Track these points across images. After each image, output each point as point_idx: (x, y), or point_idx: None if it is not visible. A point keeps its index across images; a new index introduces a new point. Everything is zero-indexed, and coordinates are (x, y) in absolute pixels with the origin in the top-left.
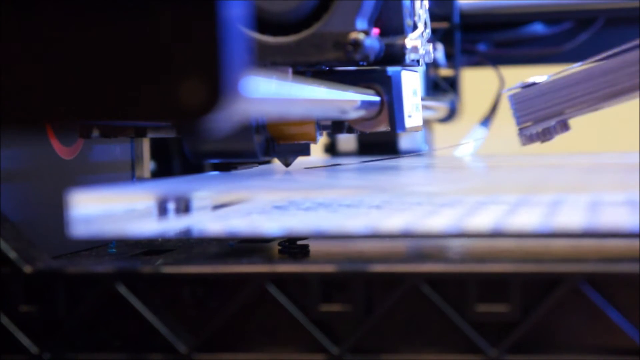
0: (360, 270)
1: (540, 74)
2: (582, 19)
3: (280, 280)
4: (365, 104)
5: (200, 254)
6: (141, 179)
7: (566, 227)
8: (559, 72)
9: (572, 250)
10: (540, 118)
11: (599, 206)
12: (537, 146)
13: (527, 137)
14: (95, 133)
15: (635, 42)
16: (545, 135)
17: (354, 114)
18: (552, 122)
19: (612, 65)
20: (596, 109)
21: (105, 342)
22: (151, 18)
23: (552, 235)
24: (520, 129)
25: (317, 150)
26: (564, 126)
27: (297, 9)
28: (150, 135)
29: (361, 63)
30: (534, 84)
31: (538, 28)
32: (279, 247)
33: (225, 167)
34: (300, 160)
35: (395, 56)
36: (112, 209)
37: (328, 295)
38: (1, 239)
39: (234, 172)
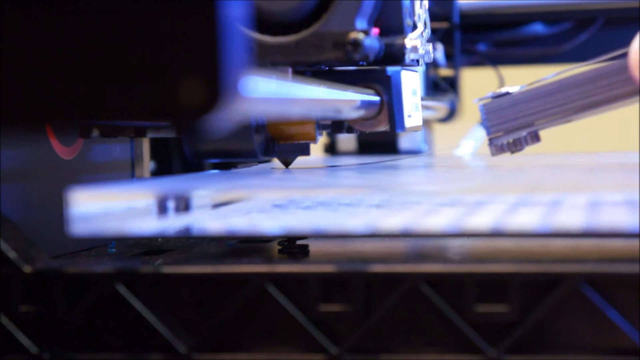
0: (360, 270)
1: (539, 74)
2: (582, 19)
3: (280, 280)
4: (365, 104)
5: (200, 254)
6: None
7: (566, 227)
8: (532, 83)
9: (572, 250)
10: (511, 129)
11: (599, 206)
12: (536, 146)
13: (498, 148)
14: (95, 133)
15: (609, 55)
16: (515, 146)
17: (353, 114)
18: (523, 133)
19: (585, 78)
20: (567, 121)
21: (105, 342)
22: (151, 18)
23: (552, 235)
24: (491, 139)
25: (317, 150)
26: (535, 137)
27: (296, 9)
28: (150, 135)
29: (361, 63)
30: (506, 93)
31: (538, 28)
32: (279, 247)
33: (225, 166)
34: (300, 160)
35: (395, 56)
36: (111, 207)
37: (328, 295)
38: (1, 239)
39: (233, 170)
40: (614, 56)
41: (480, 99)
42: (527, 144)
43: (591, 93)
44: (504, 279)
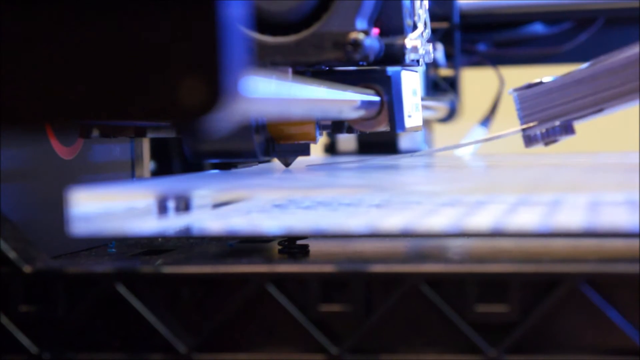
0: (360, 270)
1: (539, 74)
2: (582, 19)
3: (280, 280)
4: (365, 104)
5: (200, 254)
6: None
7: (566, 227)
8: (567, 73)
9: (572, 250)
10: (545, 118)
11: (599, 206)
12: (537, 146)
13: (530, 139)
14: (95, 133)
15: None
16: (548, 137)
17: (353, 114)
18: (557, 123)
19: (618, 65)
20: (601, 110)
21: (105, 342)
22: (151, 18)
23: (552, 235)
24: (524, 130)
25: (317, 150)
26: (569, 129)
27: (296, 9)
28: (150, 135)
29: (361, 63)
30: (539, 83)
31: (538, 28)
32: (279, 247)
33: (225, 166)
34: (300, 160)
35: (395, 56)
36: (112, 207)
37: (328, 295)
38: (1, 239)
39: (233, 170)
40: None
41: (515, 89)
42: (560, 135)
43: (624, 80)
44: (504, 279)
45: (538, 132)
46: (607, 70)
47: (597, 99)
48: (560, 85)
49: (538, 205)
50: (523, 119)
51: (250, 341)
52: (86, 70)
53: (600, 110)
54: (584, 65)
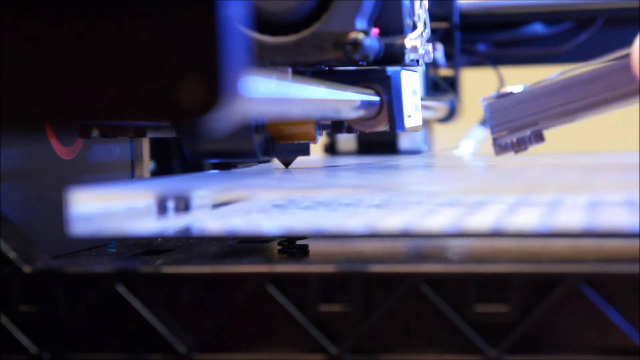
0: (360, 270)
1: (539, 74)
2: (582, 19)
3: (280, 280)
4: (365, 104)
5: (200, 254)
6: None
7: (566, 227)
8: (536, 83)
9: (572, 250)
10: (515, 128)
11: (599, 206)
12: (537, 145)
13: (501, 147)
14: (95, 133)
15: (612, 55)
16: (519, 146)
17: (353, 114)
18: (527, 133)
19: (588, 77)
20: (571, 120)
21: (104, 342)
22: (151, 18)
23: (552, 235)
24: (495, 139)
25: (317, 150)
26: (539, 137)
27: (296, 9)
28: (150, 135)
29: (360, 63)
30: (510, 93)
31: (538, 28)
32: (279, 247)
33: (225, 166)
34: (300, 160)
35: (395, 56)
36: (111, 207)
37: (327, 295)
38: (1, 239)
39: (233, 170)
40: (617, 56)
41: (485, 99)
42: (530, 143)
43: (594, 92)
44: (504, 279)
45: (509, 141)
46: (579, 81)
47: (567, 109)
48: (530, 96)
49: (538, 205)
50: (494, 128)
51: (250, 341)
52: (86, 70)
53: (571, 120)
54: (554, 74)
